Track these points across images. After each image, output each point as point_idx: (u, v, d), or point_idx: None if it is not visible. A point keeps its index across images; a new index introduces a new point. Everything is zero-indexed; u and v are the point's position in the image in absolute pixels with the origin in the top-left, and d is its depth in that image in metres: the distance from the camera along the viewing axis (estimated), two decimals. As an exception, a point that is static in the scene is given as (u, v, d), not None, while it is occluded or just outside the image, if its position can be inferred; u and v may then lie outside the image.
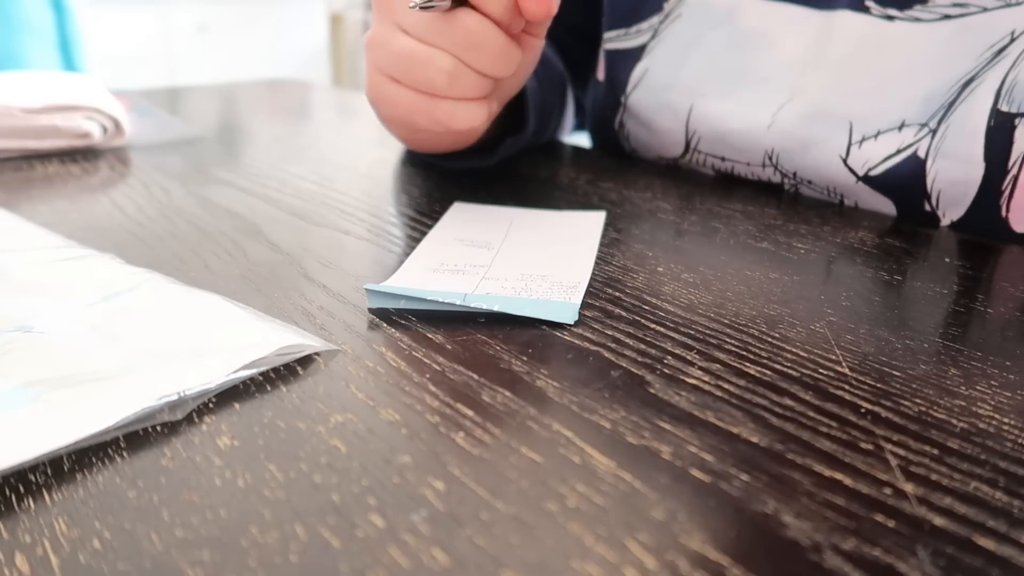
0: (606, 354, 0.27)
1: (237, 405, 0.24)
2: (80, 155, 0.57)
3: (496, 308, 0.29)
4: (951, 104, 0.41)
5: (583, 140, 0.68)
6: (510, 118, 0.50)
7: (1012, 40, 0.39)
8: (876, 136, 0.43)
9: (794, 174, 0.48)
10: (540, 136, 0.56)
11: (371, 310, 0.30)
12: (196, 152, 0.59)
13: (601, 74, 0.58)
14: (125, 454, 0.21)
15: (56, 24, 1.56)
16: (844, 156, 0.45)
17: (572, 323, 0.29)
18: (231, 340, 0.26)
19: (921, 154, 0.42)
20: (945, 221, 0.43)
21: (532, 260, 0.35)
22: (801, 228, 0.41)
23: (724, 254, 0.37)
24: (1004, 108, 0.39)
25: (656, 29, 0.52)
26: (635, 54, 0.53)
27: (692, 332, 0.29)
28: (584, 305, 0.31)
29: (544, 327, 0.29)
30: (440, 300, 0.30)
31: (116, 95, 0.63)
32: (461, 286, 0.32)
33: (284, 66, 3.00)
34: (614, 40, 0.55)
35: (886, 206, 0.45)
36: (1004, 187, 0.40)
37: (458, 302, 0.30)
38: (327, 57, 3.29)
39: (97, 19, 2.31)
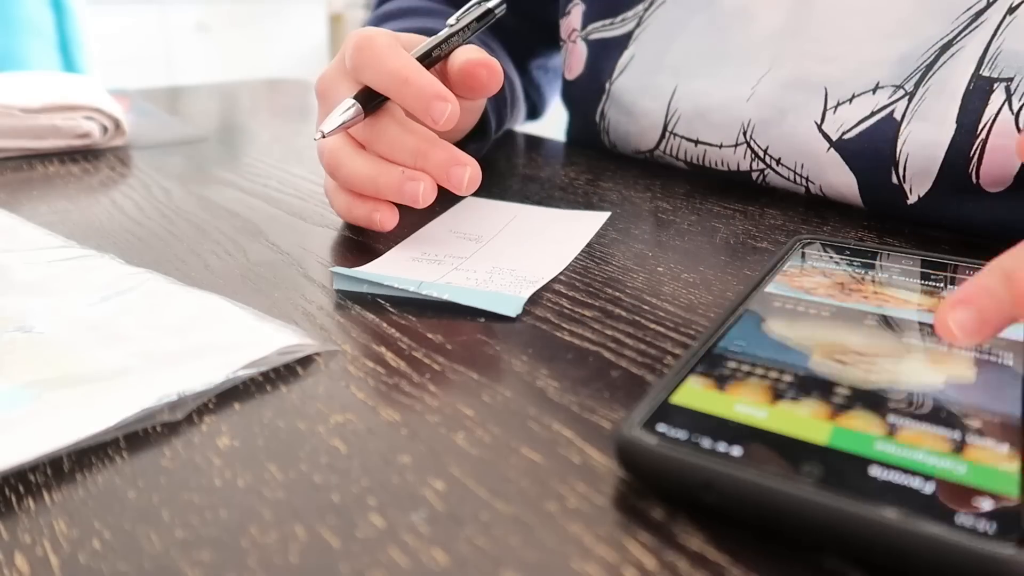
0: (606, 354, 0.27)
1: (237, 405, 0.24)
2: (80, 155, 0.57)
3: (446, 297, 0.30)
4: (929, 67, 0.41)
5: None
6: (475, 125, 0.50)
7: (988, 4, 0.39)
8: (851, 100, 0.44)
9: (766, 150, 0.48)
10: (504, 132, 0.57)
11: (370, 310, 0.30)
12: (196, 152, 0.59)
13: (576, 70, 0.58)
14: (125, 454, 0.21)
15: (56, 24, 1.56)
16: (819, 122, 0.45)
17: (514, 316, 0.30)
18: (231, 340, 0.26)
19: (897, 116, 0.42)
20: (912, 198, 0.43)
21: (511, 255, 0.36)
22: (801, 228, 0.41)
23: (724, 254, 0.37)
24: (986, 73, 0.39)
25: (641, 17, 0.53)
26: (621, 42, 0.54)
27: (692, 332, 0.29)
28: (584, 305, 0.31)
29: (544, 327, 0.29)
30: (395, 286, 0.31)
31: (116, 95, 0.63)
32: (424, 274, 0.33)
33: (284, 66, 3.00)
34: (599, 30, 0.55)
35: (850, 187, 0.45)
36: (972, 153, 0.40)
37: (411, 288, 0.31)
38: (327, 57, 3.29)
39: (97, 19, 2.31)
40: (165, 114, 0.73)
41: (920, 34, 0.41)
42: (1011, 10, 0.38)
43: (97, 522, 0.19)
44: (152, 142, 0.62)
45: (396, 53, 0.35)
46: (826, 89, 0.45)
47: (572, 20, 0.58)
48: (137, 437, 0.22)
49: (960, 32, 0.40)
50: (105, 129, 0.58)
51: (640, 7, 0.53)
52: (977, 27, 0.40)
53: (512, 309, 0.30)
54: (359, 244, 0.38)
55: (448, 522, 0.19)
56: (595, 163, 0.56)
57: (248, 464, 0.21)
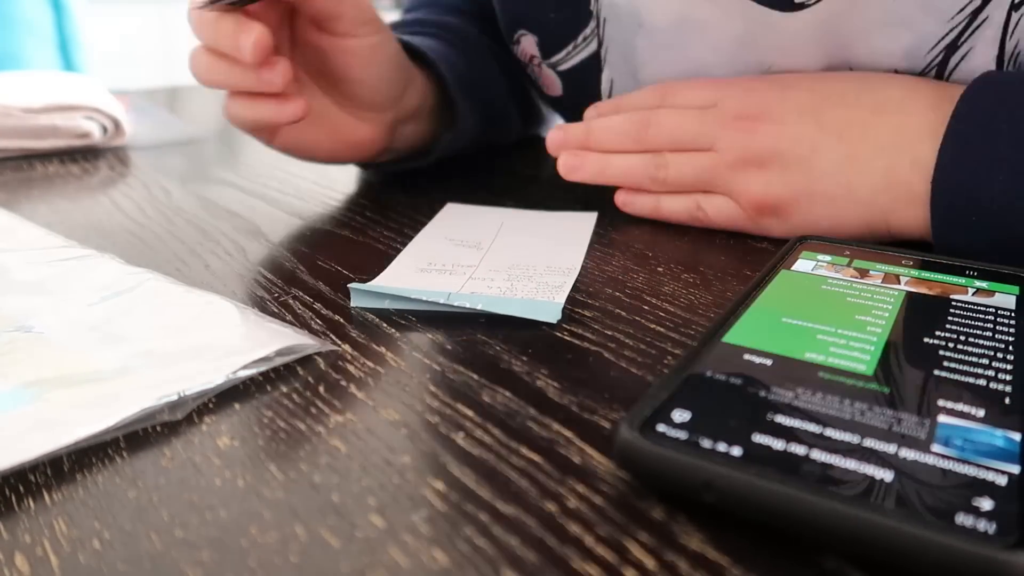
0: (606, 354, 0.27)
1: (237, 405, 0.24)
2: (80, 155, 0.57)
3: (480, 307, 0.30)
4: (941, 67, 0.39)
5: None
6: (448, 117, 0.49)
7: (984, 3, 0.37)
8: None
9: None
10: (503, 131, 0.54)
11: (372, 311, 0.30)
12: (196, 152, 0.59)
13: (556, 91, 0.54)
14: (125, 454, 0.21)
15: (56, 24, 1.56)
16: None
17: (555, 321, 0.29)
18: (231, 340, 0.26)
19: None
20: None
21: (520, 260, 0.35)
22: (801, 228, 0.41)
23: (724, 254, 0.37)
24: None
25: (599, 36, 0.49)
26: (592, 64, 0.51)
27: (692, 332, 0.29)
28: (584, 305, 0.31)
29: (544, 327, 0.29)
30: (424, 299, 0.30)
31: (116, 95, 0.63)
32: (447, 285, 0.32)
33: (284, 66, 2.99)
34: (564, 61, 0.52)
35: None
36: None
37: (442, 300, 0.30)
38: (327, 57, 3.28)
39: (97, 19, 2.30)
40: (165, 114, 0.74)
41: (919, 30, 0.39)
42: (1015, 7, 0.38)
43: (97, 522, 0.19)
44: (152, 142, 0.62)
45: None
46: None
47: (526, 48, 0.54)
48: (137, 437, 0.22)
49: (961, 33, 0.39)
50: (105, 129, 0.58)
51: (587, 30, 0.49)
52: (978, 28, 0.39)
53: (552, 315, 0.29)
54: (360, 244, 0.38)
55: (448, 522, 0.19)
56: (595, 163, 0.56)
57: (248, 464, 0.21)
